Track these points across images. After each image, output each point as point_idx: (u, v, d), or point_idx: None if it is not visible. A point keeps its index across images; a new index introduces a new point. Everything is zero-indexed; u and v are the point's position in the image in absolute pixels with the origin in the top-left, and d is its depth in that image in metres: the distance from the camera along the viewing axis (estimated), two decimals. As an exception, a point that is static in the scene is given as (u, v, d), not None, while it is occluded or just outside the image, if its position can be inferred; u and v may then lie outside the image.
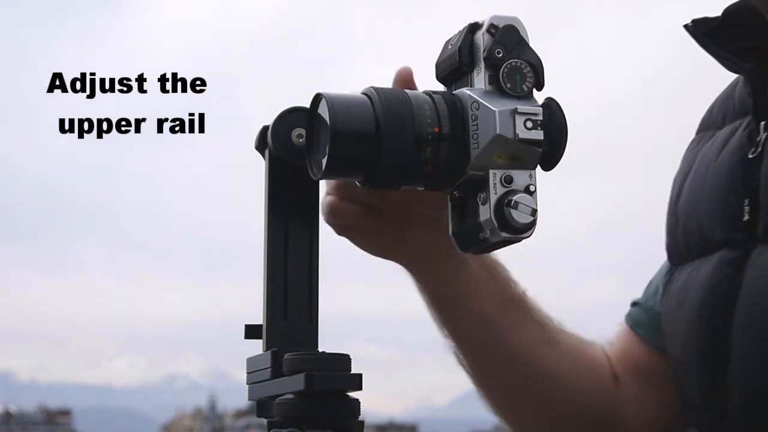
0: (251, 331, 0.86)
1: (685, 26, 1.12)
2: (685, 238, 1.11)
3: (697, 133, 1.20)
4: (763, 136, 1.03)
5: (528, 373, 1.14)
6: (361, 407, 0.77)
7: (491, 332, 1.11)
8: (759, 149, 1.02)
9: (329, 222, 1.00)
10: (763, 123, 1.03)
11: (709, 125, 1.17)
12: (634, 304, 1.25)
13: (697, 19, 1.12)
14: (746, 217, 1.01)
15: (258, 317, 0.87)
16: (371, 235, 1.04)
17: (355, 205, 0.99)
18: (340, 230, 1.02)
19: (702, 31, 1.11)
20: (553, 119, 0.79)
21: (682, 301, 1.08)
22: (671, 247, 1.15)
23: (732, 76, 1.17)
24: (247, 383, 0.86)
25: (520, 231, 0.78)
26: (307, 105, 0.82)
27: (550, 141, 0.79)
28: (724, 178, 1.05)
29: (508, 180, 0.78)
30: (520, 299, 1.13)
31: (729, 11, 1.12)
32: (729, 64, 1.11)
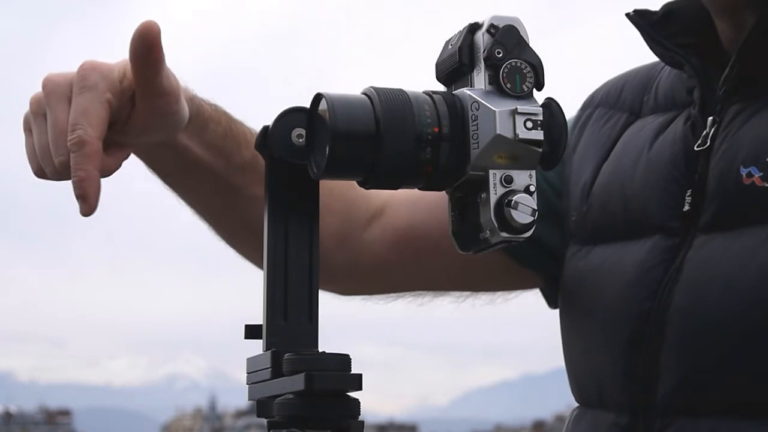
0: (251, 331, 0.86)
1: (628, 15, 1.13)
2: (605, 219, 1.12)
3: (595, 107, 1.22)
4: (710, 130, 1.04)
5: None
6: (361, 407, 0.77)
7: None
8: (708, 143, 1.03)
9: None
10: (711, 118, 1.04)
11: (617, 106, 1.19)
12: None
13: (639, 10, 1.13)
14: (687, 207, 1.03)
15: (258, 317, 0.87)
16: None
17: None
18: None
19: (645, 22, 1.12)
20: (553, 119, 0.79)
21: (602, 281, 1.10)
22: (581, 225, 1.16)
23: (639, 63, 1.22)
24: (247, 383, 0.85)
25: (520, 231, 0.78)
26: (307, 105, 0.82)
27: (550, 141, 0.79)
28: (662, 167, 1.07)
29: (508, 180, 0.78)
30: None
31: (669, 7, 1.13)
32: (671, 58, 1.12)
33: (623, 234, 1.09)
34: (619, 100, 1.20)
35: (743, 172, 0.99)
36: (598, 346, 1.09)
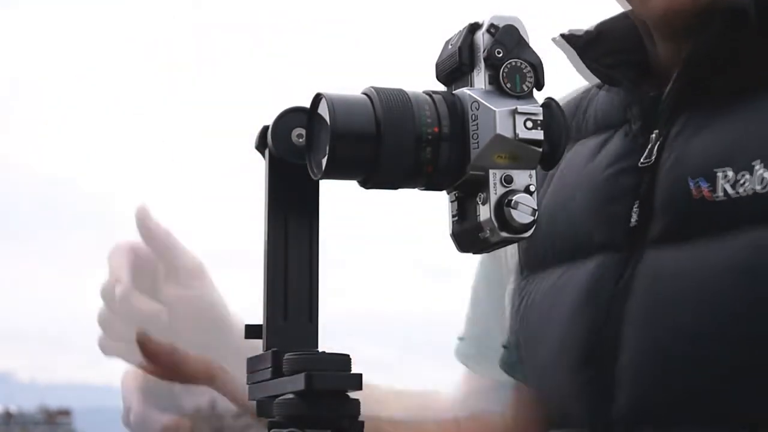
0: (251, 331, 0.86)
1: (554, 40, 1.12)
2: (546, 245, 1.11)
3: None
4: (655, 144, 1.04)
5: None
6: (361, 407, 0.77)
7: None
8: (652, 157, 1.03)
9: None
10: (656, 132, 1.03)
11: None
12: (461, 339, 1.30)
13: (566, 34, 1.12)
14: (634, 222, 1.02)
15: (258, 317, 0.87)
16: None
17: None
18: None
19: (574, 44, 1.12)
20: (553, 119, 0.79)
21: (553, 303, 1.08)
22: (529, 252, 1.14)
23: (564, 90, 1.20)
24: (248, 383, 0.86)
25: (520, 231, 0.78)
26: (307, 105, 0.82)
27: (550, 141, 0.79)
28: (604, 184, 1.06)
29: (508, 180, 0.78)
30: None
31: (603, 27, 1.13)
32: (607, 76, 1.12)
33: (570, 256, 1.08)
34: None
35: (691, 184, 0.98)
36: (554, 367, 1.08)
